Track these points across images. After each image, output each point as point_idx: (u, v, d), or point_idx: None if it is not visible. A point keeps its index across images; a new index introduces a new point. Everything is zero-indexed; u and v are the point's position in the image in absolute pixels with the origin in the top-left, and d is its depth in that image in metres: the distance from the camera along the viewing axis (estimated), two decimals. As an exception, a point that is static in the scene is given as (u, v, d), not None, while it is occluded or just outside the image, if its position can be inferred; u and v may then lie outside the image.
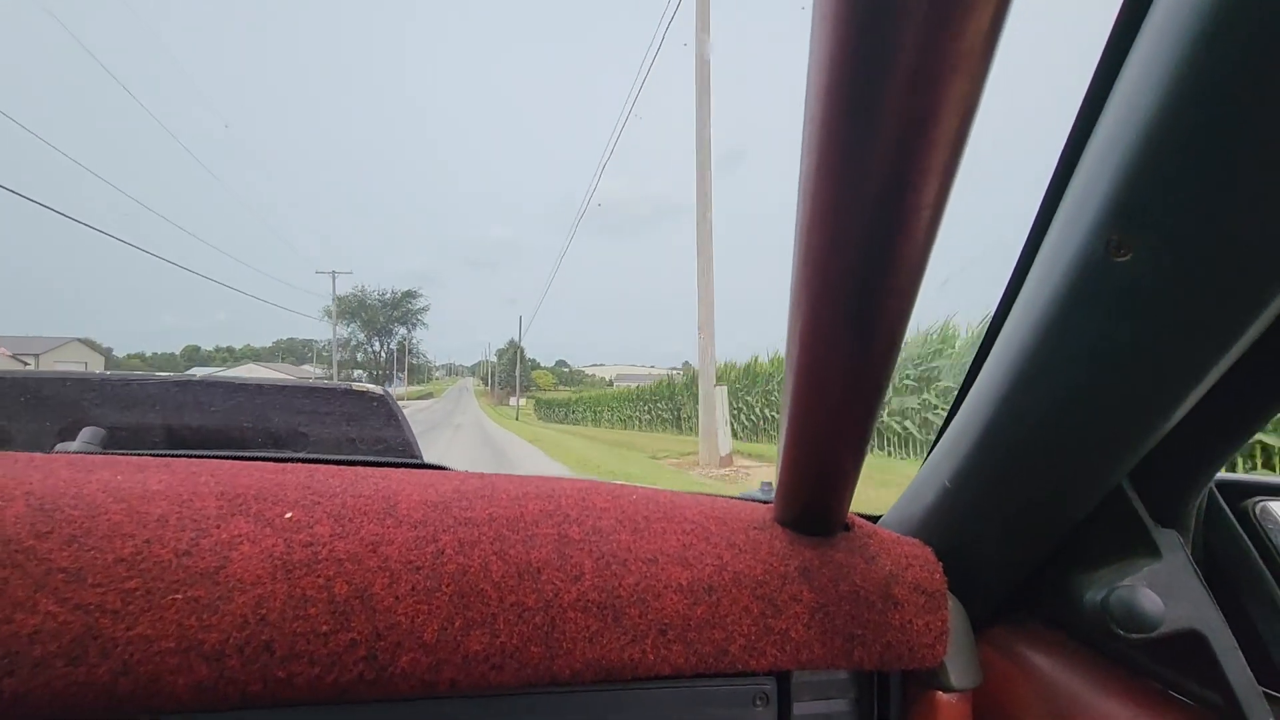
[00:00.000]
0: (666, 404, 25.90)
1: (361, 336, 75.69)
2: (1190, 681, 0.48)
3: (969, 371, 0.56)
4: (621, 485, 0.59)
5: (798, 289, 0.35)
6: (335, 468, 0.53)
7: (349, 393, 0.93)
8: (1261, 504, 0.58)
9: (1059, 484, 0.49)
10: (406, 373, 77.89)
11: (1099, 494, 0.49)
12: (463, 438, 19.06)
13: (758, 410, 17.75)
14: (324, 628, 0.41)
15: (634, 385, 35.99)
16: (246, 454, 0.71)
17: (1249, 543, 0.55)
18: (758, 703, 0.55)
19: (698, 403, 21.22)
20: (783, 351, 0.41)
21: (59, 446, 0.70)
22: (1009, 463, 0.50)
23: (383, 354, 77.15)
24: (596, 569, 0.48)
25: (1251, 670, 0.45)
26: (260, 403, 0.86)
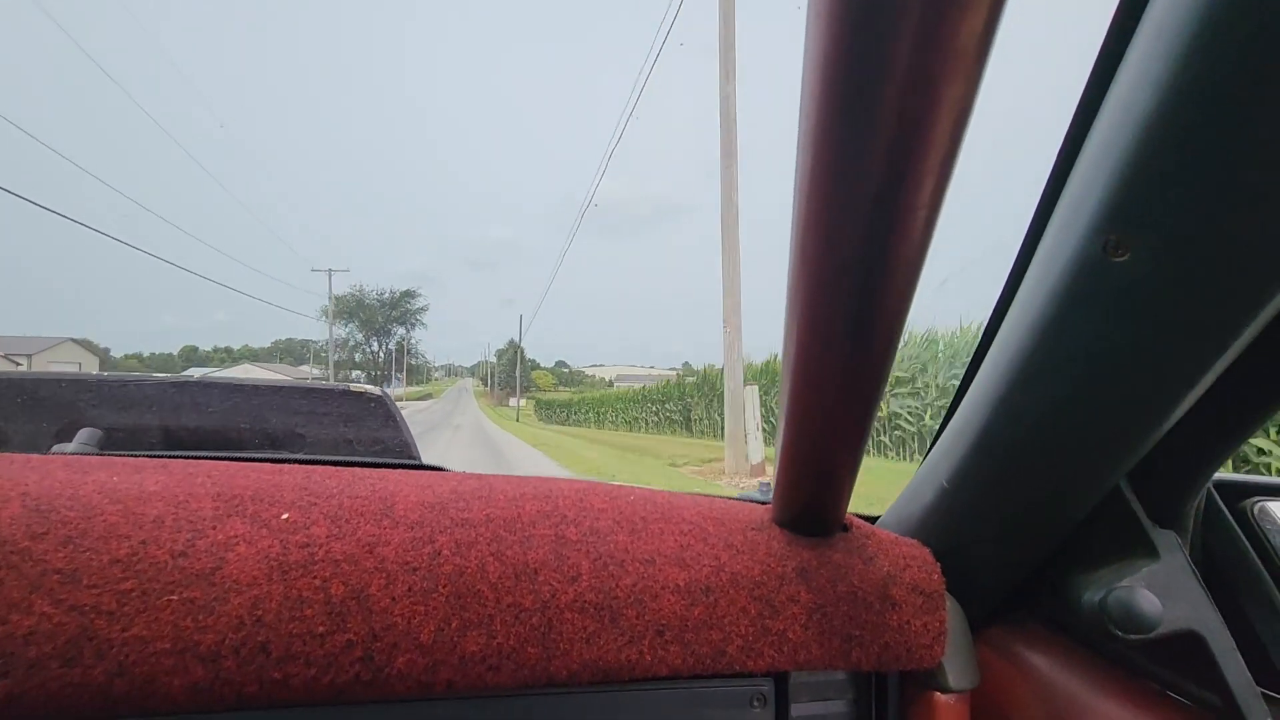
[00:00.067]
0: (675, 405, 24.83)
1: (359, 337, 75.49)
2: (1188, 682, 0.48)
3: (967, 371, 0.56)
4: (619, 486, 0.59)
5: (794, 290, 0.35)
6: (332, 469, 0.53)
7: (347, 394, 0.93)
8: (1260, 504, 0.58)
9: (1057, 485, 0.49)
10: (405, 373, 77.76)
11: (1097, 495, 0.49)
12: (461, 440, 18.40)
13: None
14: (320, 629, 0.41)
15: (639, 385, 34.94)
16: (243, 455, 0.71)
17: (1247, 543, 0.55)
18: (755, 704, 0.55)
19: (710, 404, 20.84)
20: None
21: (56, 447, 0.70)
22: (1007, 463, 0.50)
23: (381, 354, 77.01)
24: (594, 570, 0.48)
25: (1250, 671, 0.45)
26: (257, 404, 0.86)
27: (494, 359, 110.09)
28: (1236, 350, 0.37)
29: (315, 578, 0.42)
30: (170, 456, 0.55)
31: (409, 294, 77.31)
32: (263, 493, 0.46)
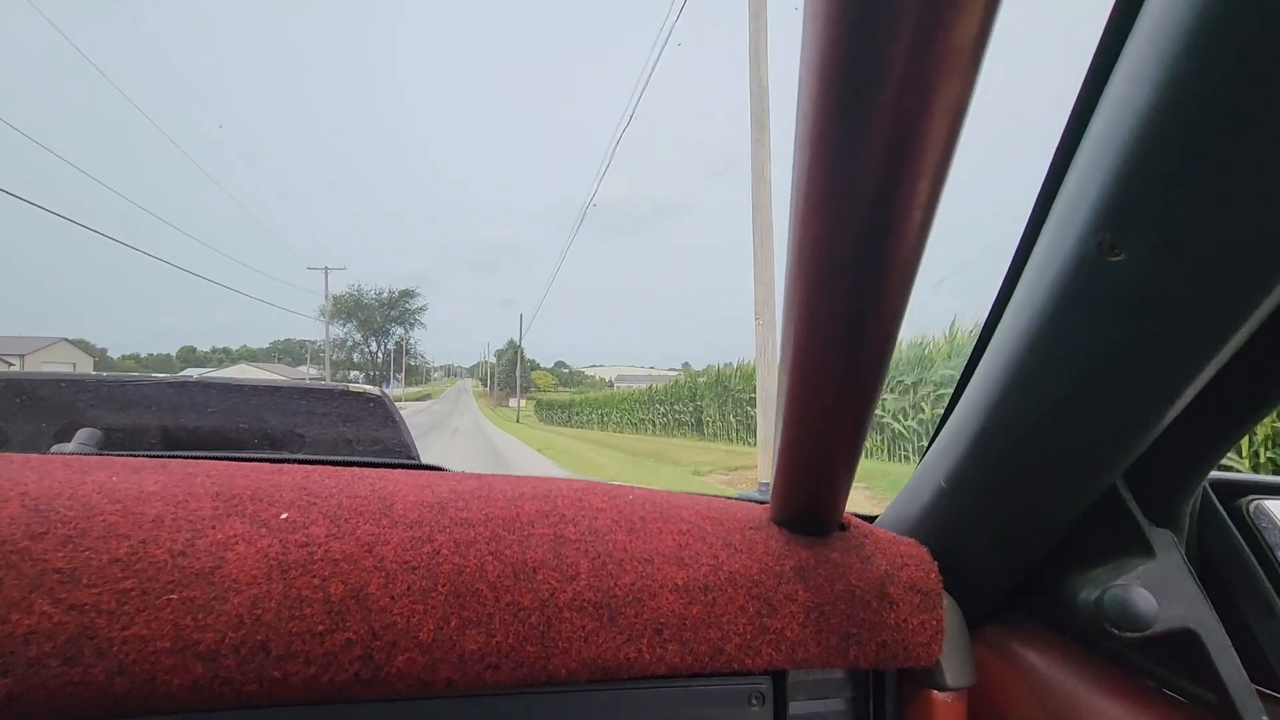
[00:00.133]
0: (686, 406, 23.54)
1: (358, 337, 75.38)
2: (1184, 680, 0.48)
3: (964, 371, 0.56)
4: (618, 485, 0.59)
5: (791, 289, 0.35)
6: (331, 468, 0.53)
7: (346, 394, 0.93)
8: (1255, 502, 0.58)
9: (1053, 484, 0.49)
10: (404, 374, 77.61)
11: (1093, 494, 0.49)
12: (460, 444, 17.30)
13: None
14: (320, 627, 0.41)
15: (640, 386, 33.60)
16: (243, 455, 0.71)
17: (1242, 541, 0.55)
18: (753, 702, 0.55)
19: (723, 404, 19.84)
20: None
21: (55, 448, 0.70)
22: (1003, 463, 0.50)
23: (380, 355, 76.92)
24: (592, 569, 0.48)
25: (1245, 668, 0.45)
26: (256, 404, 0.86)
27: (493, 359, 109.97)
28: (1232, 349, 0.38)
29: (315, 577, 0.42)
30: (169, 456, 0.55)
31: (408, 294, 77.19)
32: (262, 492, 0.46)
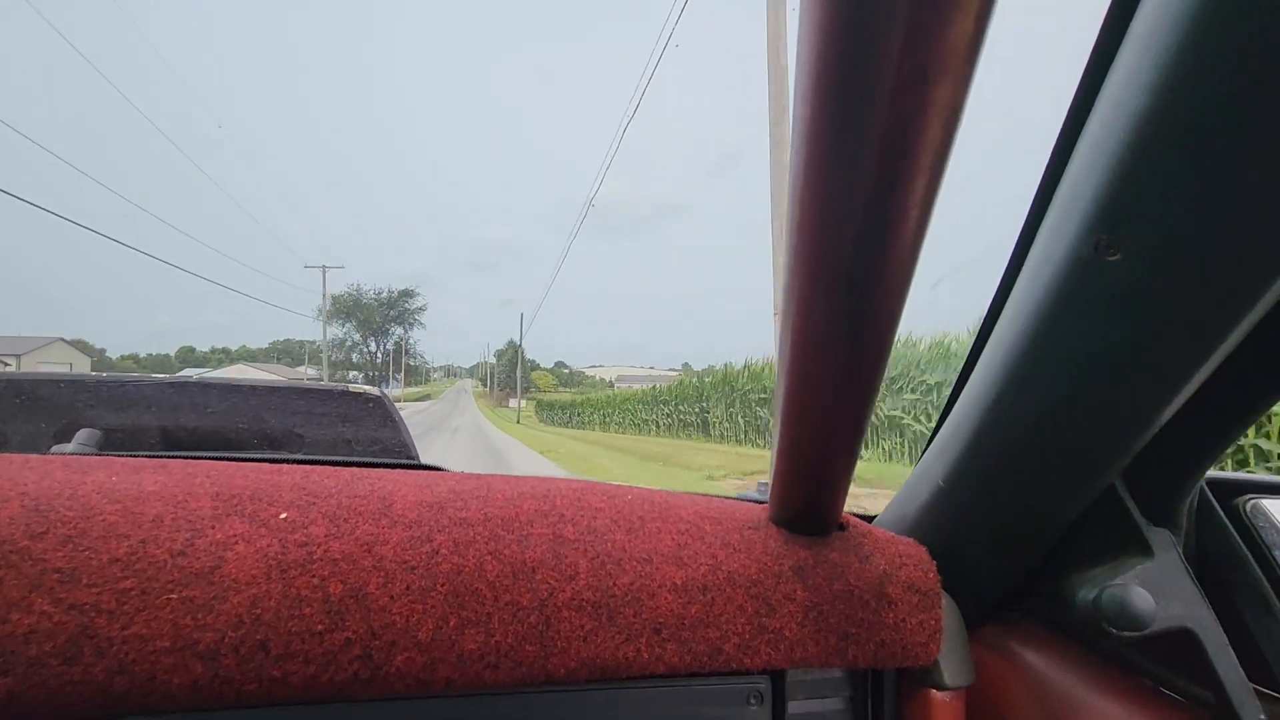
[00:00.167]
0: (691, 406, 22.49)
1: (357, 337, 75.18)
2: (1182, 679, 0.48)
3: (962, 371, 0.57)
4: (617, 485, 0.59)
5: (789, 291, 0.35)
6: (331, 468, 0.53)
7: (345, 394, 0.93)
8: (1252, 502, 0.58)
9: (1051, 484, 0.49)
10: (403, 374, 77.47)
11: (1091, 493, 0.49)
12: (460, 446, 16.60)
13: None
14: (319, 627, 0.42)
15: (641, 386, 32.63)
16: (242, 455, 0.71)
17: (1240, 541, 0.55)
18: (752, 701, 0.55)
19: (730, 405, 19.02)
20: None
21: (55, 448, 0.70)
22: (1002, 462, 0.50)
23: (379, 355, 76.76)
24: (591, 568, 0.48)
25: (1243, 667, 0.45)
26: (255, 404, 0.86)
27: (493, 359, 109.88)
28: (1229, 349, 0.38)
29: (314, 576, 0.42)
30: (169, 457, 0.55)
31: (407, 293, 76.95)
32: (261, 492, 0.46)
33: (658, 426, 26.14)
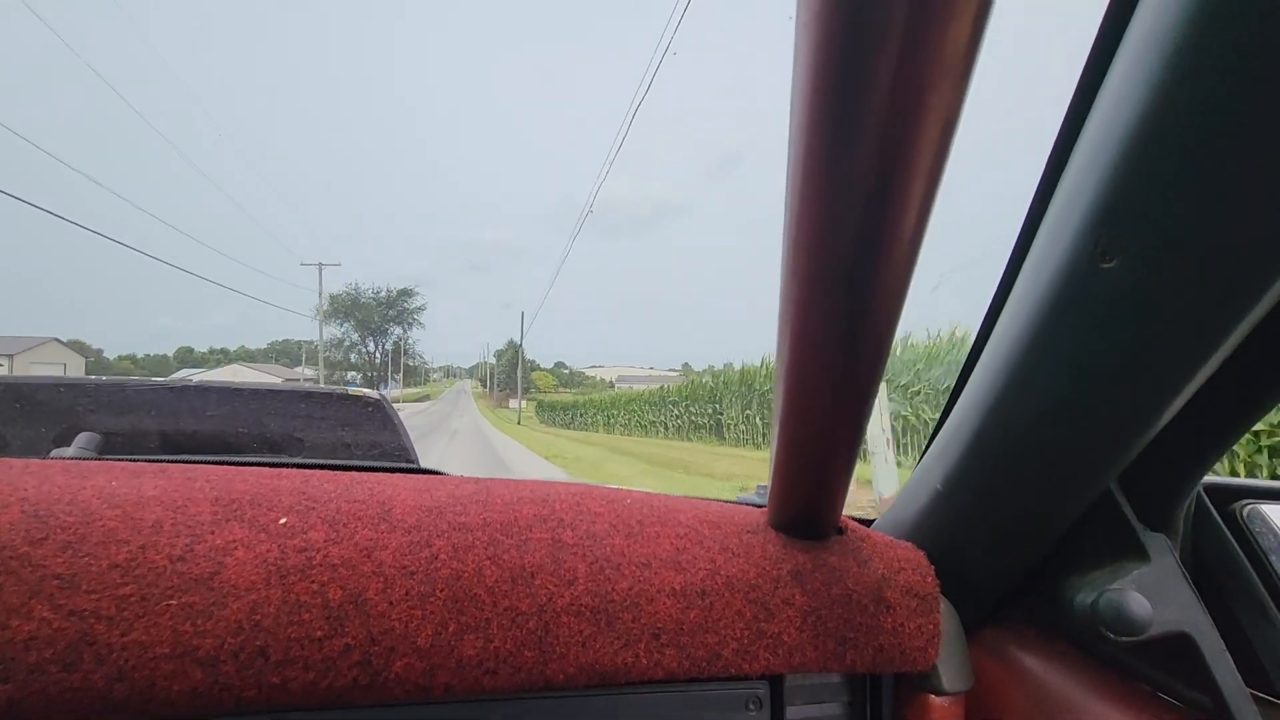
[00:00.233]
0: (704, 407, 21.35)
1: (355, 336, 74.96)
2: (1179, 684, 0.48)
3: (960, 375, 0.57)
4: (616, 489, 0.59)
5: (786, 294, 0.35)
6: (330, 473, 0.54)
7: (345, 398, 0.93)
8: (1249, 507, 0.58)
9: (1049, 488, 0.49)
10: (402, 374, 77.25)
11: (1088, 498, 0.49)
12: (459, 449, 15.66)
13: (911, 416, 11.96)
14: (318, 633, 0.42)
15: (645, 387, 31.31)
16: (241, 459, 0.71)
17: (1236, 546, 0.55)
18: (751, 706, 0.56)
19: (746, 405, 17.76)
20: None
21: (54, 452, 0.70)
22: (999, 467, 0.50)
23: (377, 355, 76.58)
24: (590, 574, 0.48)
25: (1239, 672, 0.46)
26: (255, 408, 0.86)
27: (493, 359, 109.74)
28: (1225, 354, 0.38)
29: (313, 582, 0.42)
30: (169, 461, 0.55)
31: (406, 293, 76.63)
32: (261, 497, 0.46)
33: (666, 428, 25.19)
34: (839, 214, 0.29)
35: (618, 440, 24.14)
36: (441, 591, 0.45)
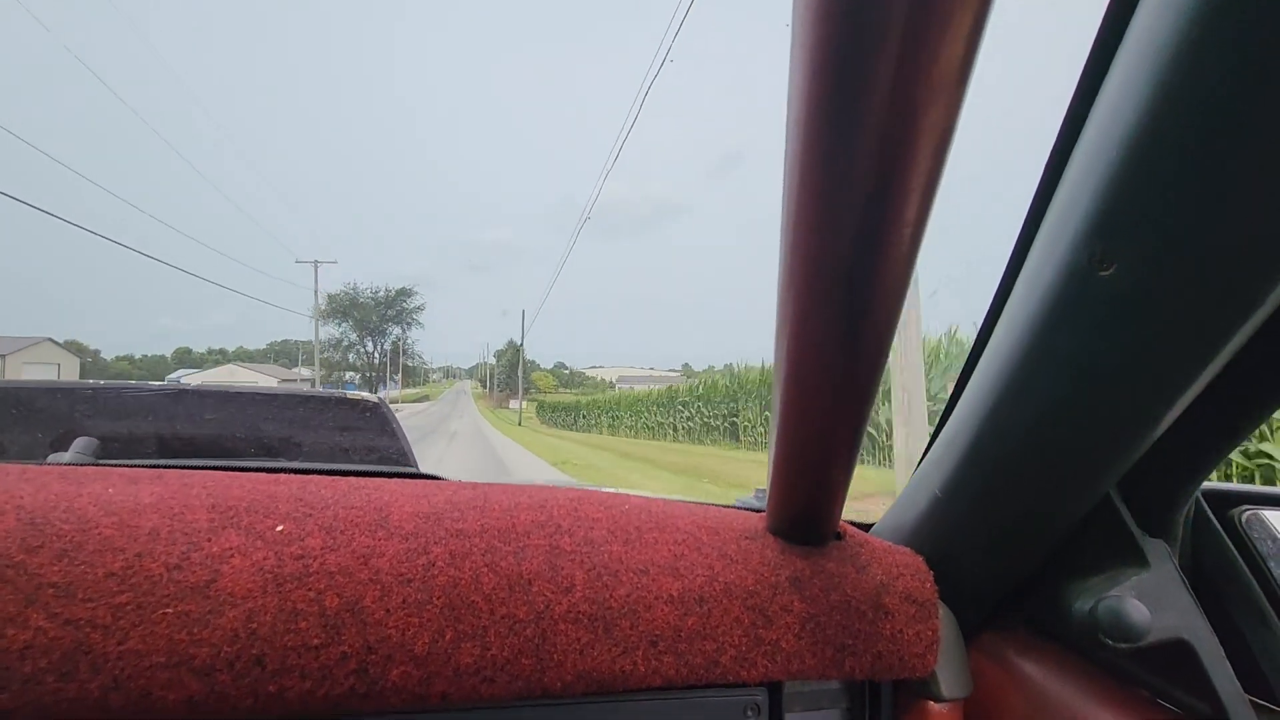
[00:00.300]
0: (718, 408, 19.97)
1: (353, 336, 74.63)
2: (1178, 690, 0.48)
3: (958, 380, 0.57)
4: (614, 494, 0.59)
5: (785, 296, 0.35)
6: (328, 478, 0.53)
7: (343, 401, 0.93)
8: (1248, 513, 0.58)
9: (1047, 494, 0.49)
10: (401, 375, 77.07)
11: (1087, 504, 0.49)
12: (458, 452, 14.78)
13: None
14: (315, 641, 0.41)
15: (651, 387, 30.07)
16: (239, 464, 0.71)
17: (1235, 552, 0.55)
18: (749, 713, 0.55)
19: (765, 406, 16.91)
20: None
21: (52, 457, 0.70)
22: (997, 472, 0.50)
23: (376, 355, 76.33)
24: (588, 580, 0.48)
25: (1238, 679, 0.46)
26: (253, 412, 0.86)
27: (492, 360, 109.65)
28: (1224, 361, 0.38)
29: (310, 590, 0.42)
30: (167, 466, 0.55)
31: (404, 292, 76.12)
32: (258, 504, 0.46)
33: (675, 431, 23.79)
34: (838, 214, 0.29)
35: (628, 444, 22.64)
36: (439, 599, 0.44)
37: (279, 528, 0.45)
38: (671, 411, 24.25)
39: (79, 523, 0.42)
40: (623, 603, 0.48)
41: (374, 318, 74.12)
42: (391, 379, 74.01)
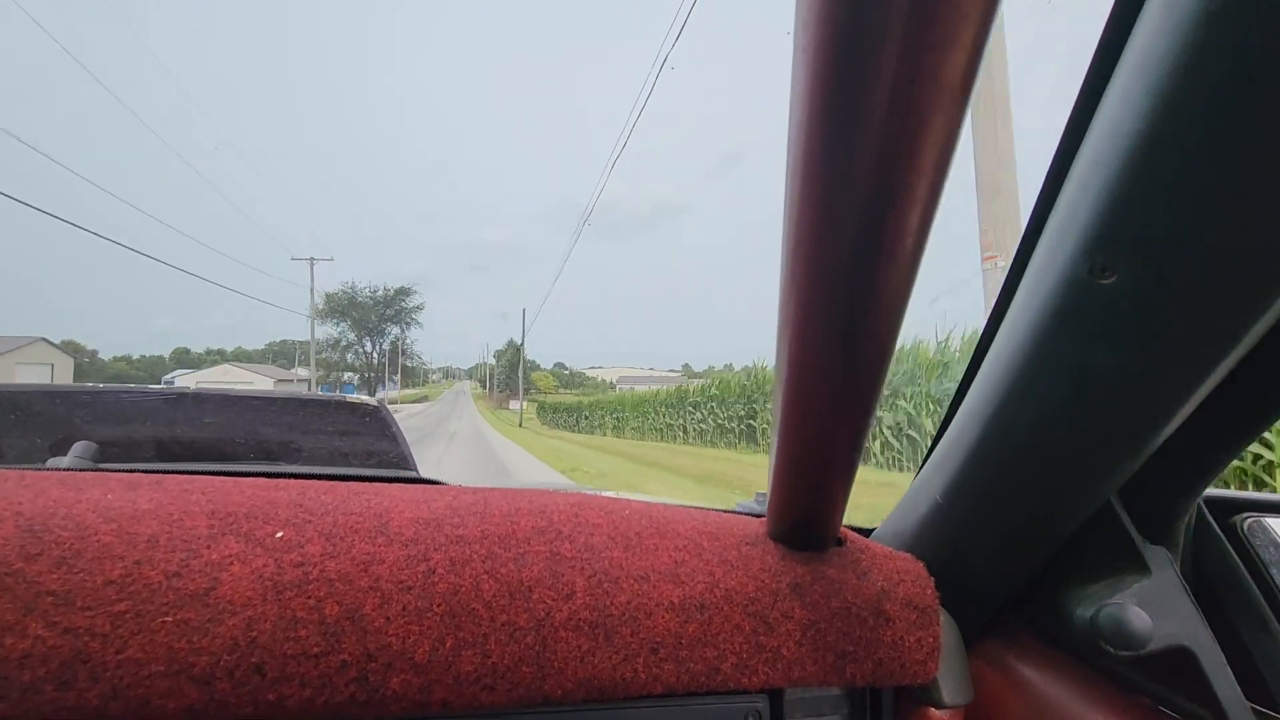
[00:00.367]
0: (732, 409, 18.66)
1: (352, 336, 74.33)
2: (1180, 697, 0.48)
3: (959, 386, 0.57)
4: (615, 500, 0.59)
5: (786, 306, 0.35)
6: (327, 484, 0.53)
7: (343, 405, 0.93)
8: (1250, 520, 0.58)
9: (1048, 501, 0.49)
10: (400, 375, 76.86)
11: (1088, 510, 0.49)
12: (457, 454, 14.07)
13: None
14: (315, 649, 0.41)
15: (663, 387, 28.52)
16: (239, 469, 0.71)
17: (1237, 559, 0.55)
18: None
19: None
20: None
21: (51, 461, 0.70)
22: (998, 479, 0.50)
23: (375, 355, 76.12)
24: (588, 587, 0.48)
25: (1240, 685, 0.45)
26: (252, 417, 0.86)
27: (492, 360, 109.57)
28: (1225, 369, 0.38)
29: (310, 597, 0.42)
30: (166, 471, 0.55)
31: (403, 291, 75.66)
32: (257, 510, 0.46)
33: (686, 433, 22.39)
34: (839, 216, 0.29)
35: (638, 448, 20.77)
36: (439, 606, 0.44)
37: (279, 534, 0.45)
38: (681, 413, 23.00)
39: (78, 530, 0.41)
40: (623, 609, 0.48)
41: (373, 317, 73.90)
42: (390, 379, 73.84)
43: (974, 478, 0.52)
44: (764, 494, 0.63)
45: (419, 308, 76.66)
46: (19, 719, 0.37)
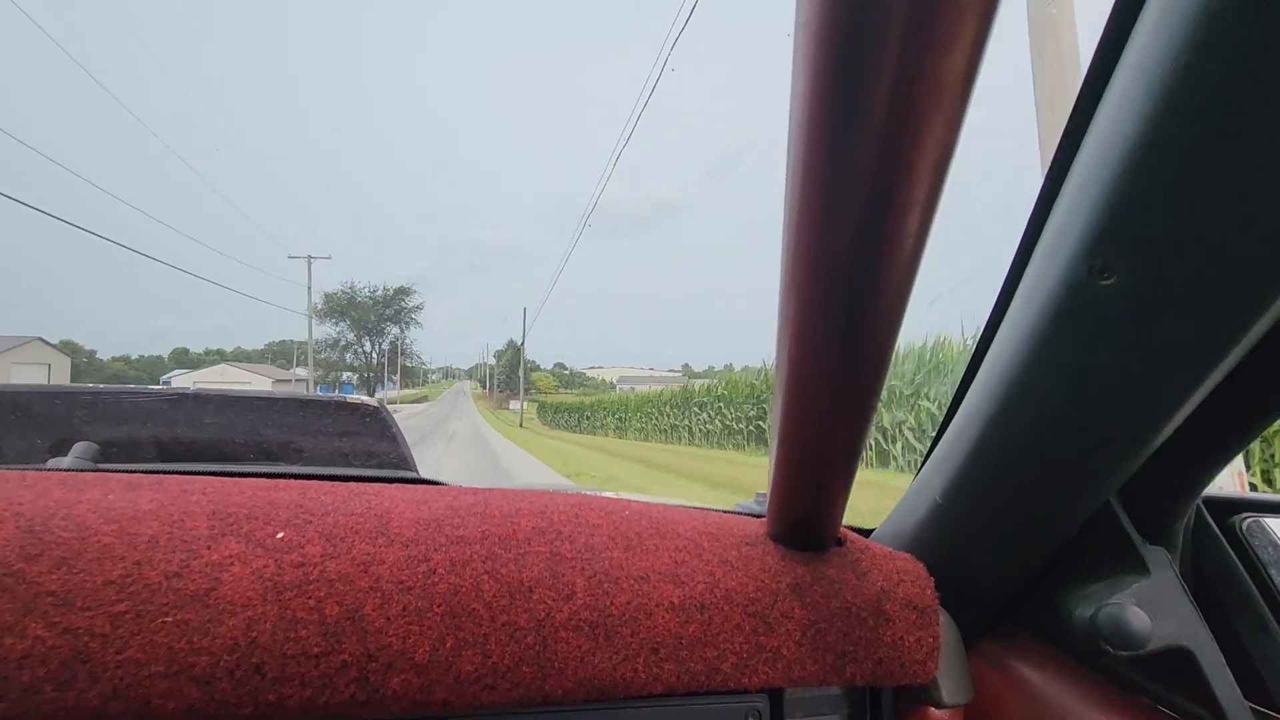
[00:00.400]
0: (741, 409, 18.23)
1: (351, 336, 74.10)
2: (1179, 697, 0.48)
3: (959, 387, 0.57)
4: (615, 500, 0.59)
5: (786, 306, 0.35)
6: (328, 484, 0.53)
7: (343, 406, 0.93)
8: (1249, 520, 0.58)
9: (1047, 501, 0.49)
10: (399, 375, 76.70)
11: (1087, 511, 0.49)
12: (457, 454, 13.85)
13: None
14: (315, 650, 0.41)
15: (667, 387, 27.89)
16: (239, 469, 0.71)
17: (1236, 559, 0.55)
18: None
19: None
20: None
21: (51, 462, 0.70)
22: (997, 479, 0.50)
23: (374, 355, 75.90)
24: (589, 587, 0.48)
25: (1239, 686, 0.46)
26: (253, 417, 0.86)
27: (492, 360, 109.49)
28: (1224, 370, 0.38)
29: (310, 598, 0.42)
30: (166, 471, 0.55)
31: (403, 291, 75.29)
32: (258, 510, 0.46)
33: (692, 434, 22.00)
34: (839, 216, 0.29)
35: (643, 449, 20.13)
36: (439, 607, 0.44)
37: (279, 535, 0.45)
38: (686, 413, 22.65)
39: (78, 530, 0.42)
40: (624, 610, 0.48)
41: (372, 317, 73.67)
42: (390, 379, 73.71)
43: (974, 478, 0.52)
44: (764, 494, 0.63)
45: (418, 308, 76.44)
46: (18, 719, 0.37)
